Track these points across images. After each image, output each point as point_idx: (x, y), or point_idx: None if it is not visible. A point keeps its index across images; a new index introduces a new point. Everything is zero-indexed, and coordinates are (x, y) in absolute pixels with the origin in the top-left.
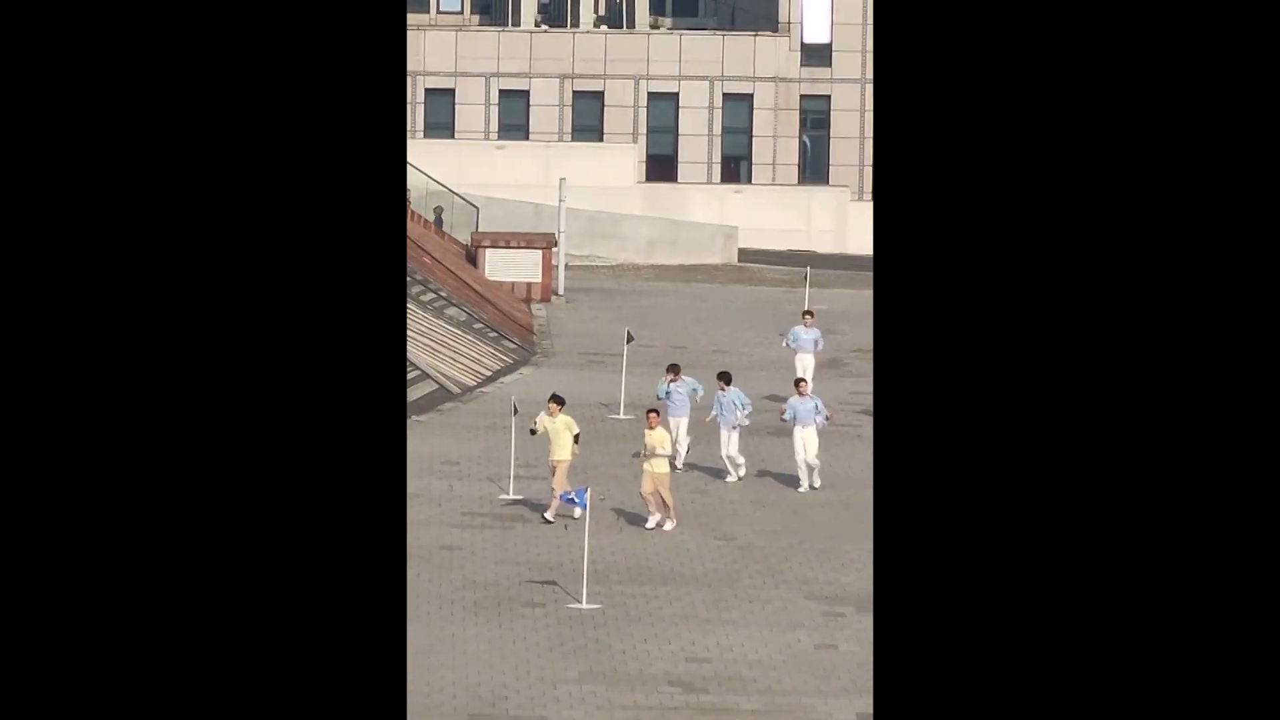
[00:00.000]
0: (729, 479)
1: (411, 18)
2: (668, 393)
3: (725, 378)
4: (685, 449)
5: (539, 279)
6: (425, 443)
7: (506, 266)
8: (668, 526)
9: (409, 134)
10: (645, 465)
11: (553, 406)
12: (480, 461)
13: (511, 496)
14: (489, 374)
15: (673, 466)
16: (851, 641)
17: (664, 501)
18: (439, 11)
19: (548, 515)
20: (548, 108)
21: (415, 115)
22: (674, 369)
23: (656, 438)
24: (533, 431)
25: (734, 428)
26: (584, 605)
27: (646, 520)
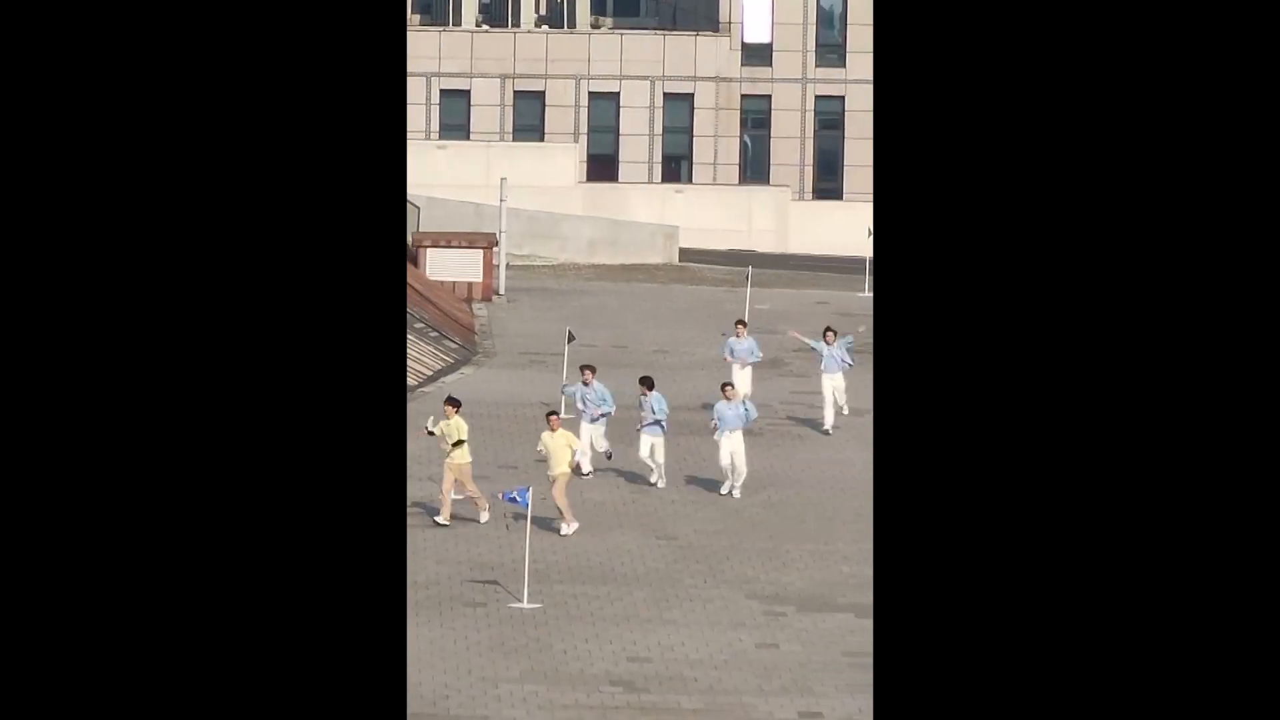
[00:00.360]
0: (652, 479)
1: None
2: (576, 394)
3: (647, 382)
4: (589, 453)
5: (480, 279)
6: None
7: (447, 266)
8: (567, 529)
9: None
10: (548, 471)
11: (448, 409)
12: (421, 461)
13: (454, 496)
14: (430, 373)
15: (577, 471)
16: (792, 641)
17: (565, 504)
18: None
19: (437, 519)
20: (489, 107)
21: None
22: (589, 369)
23: (559, 439)
24: (430, 433)
25: (652, 431)
26: (525, 605)
27: (561, 528)
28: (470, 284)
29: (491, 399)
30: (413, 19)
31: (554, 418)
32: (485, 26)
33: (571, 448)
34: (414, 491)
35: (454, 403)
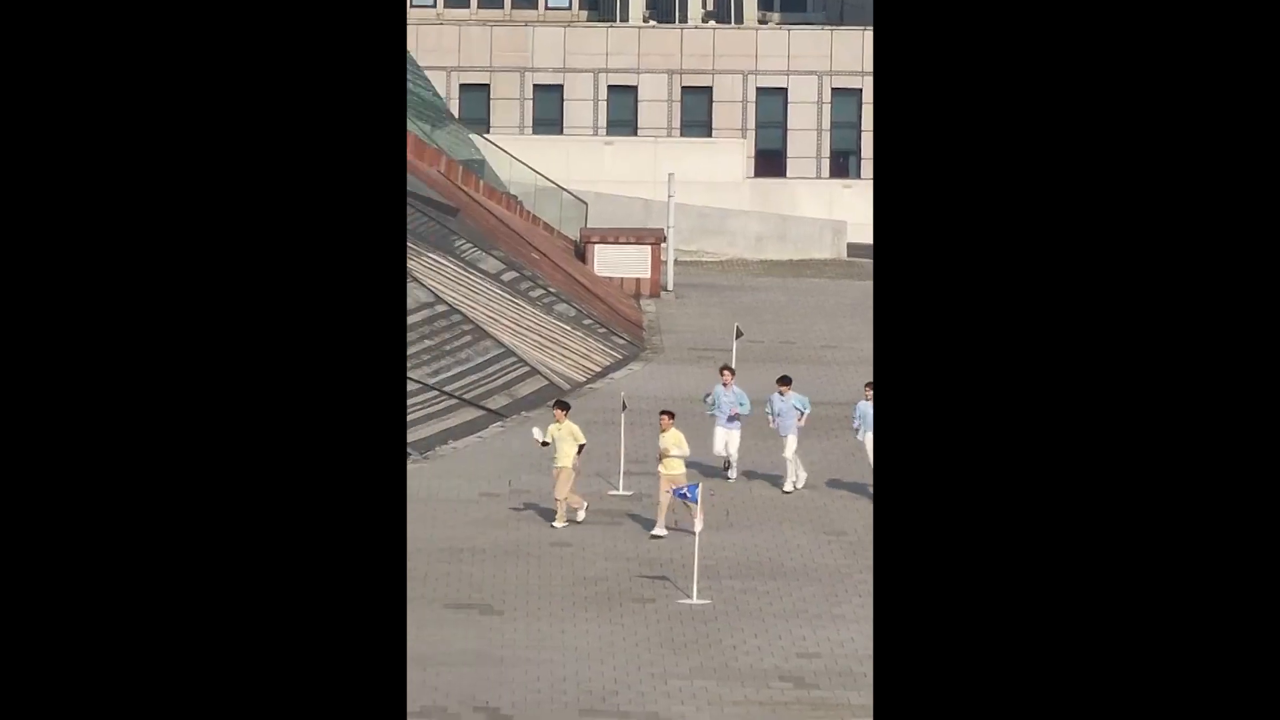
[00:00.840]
0: (785, 486)
1: (519, 14)
2: (713, 401)
3: (785, 381)
4: (734, 458)
5: (648, 275)
6: (532, 439)
7: (615, 262)
8: (697, 528)
9: (518, 130)
10: (660, 468)
11: (558, 413)
12: (589, 457)
13: (621, 492)
14: (598, 370)
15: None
16: None
17: (666, 501)
18: (547, 8)
19: (555, 523)
20: (656, 103)
21: (524, 111)
22: (728, 370)
23: (670, 439)
24: (544, 444)
25: (792, 432)
26: (694, 601)
27: (654, 527)
28: (638, 280)
29: (660, 395)
30: (580, 15)
31: (665, 417)
32: (652, 23)
33: (680, 446)
34: (579, 486)
35: (563, 406)
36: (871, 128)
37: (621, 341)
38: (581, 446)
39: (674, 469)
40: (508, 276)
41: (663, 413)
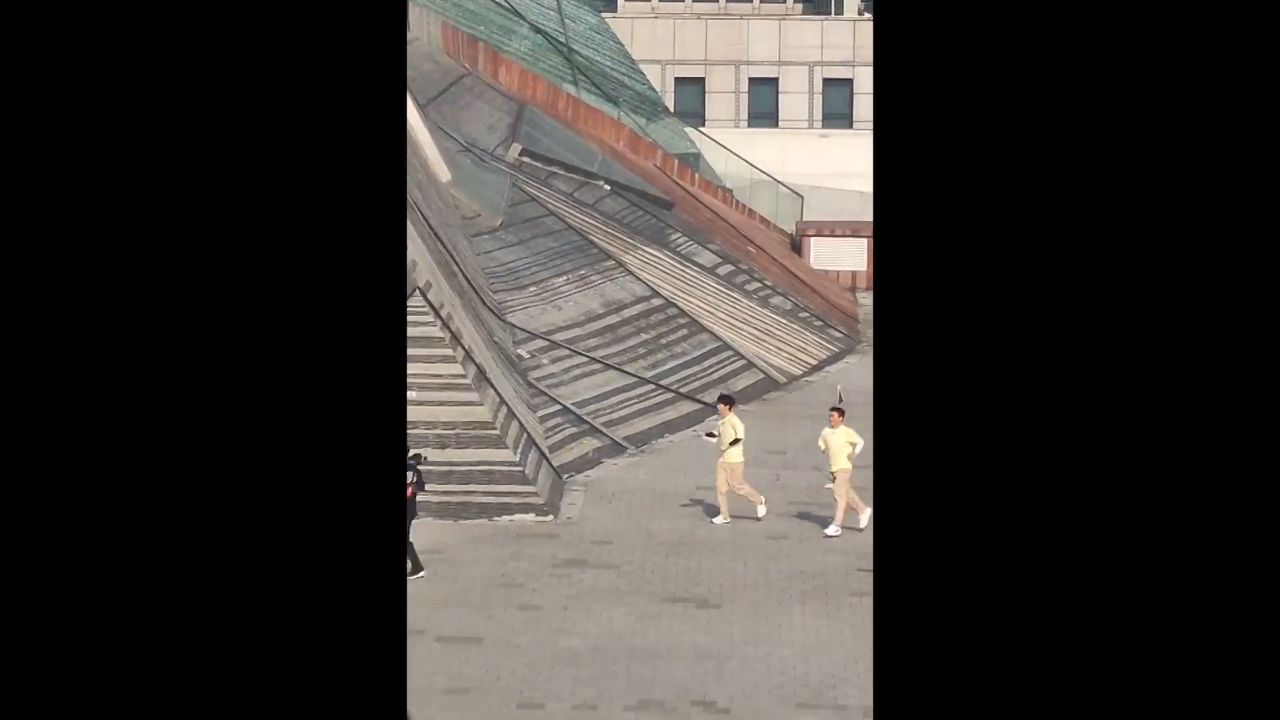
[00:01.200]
0: None
1: (735, 7)
2: None
3: None
4: None
5: (864, 268)
6: (751, 432)
7: (831, 255)
8: (863, 523)
9: (734, 123)
10: (831, 467)
11: (722, 408)
12: (807, 450)
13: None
14: (814, 363)
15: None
16: None
17: (844, 501)
18: (762, 1)
19: (715, 519)
20: (871, 96)
21: (740, 104)
22: None
23: (841, 435)
24: (709, 435)
25: None
26: None
27: (828, 526)
28: (854, 273)
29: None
30: (794, 8)
31: (835, 414)
32: (867, 15)
33: (852, 443)
34: (796, 479)
35: (728, 401)
36: None
37: (838, 335)
38: (736, 441)
39: (840, 464)
40: (723, 270)
41: (833, 409)
